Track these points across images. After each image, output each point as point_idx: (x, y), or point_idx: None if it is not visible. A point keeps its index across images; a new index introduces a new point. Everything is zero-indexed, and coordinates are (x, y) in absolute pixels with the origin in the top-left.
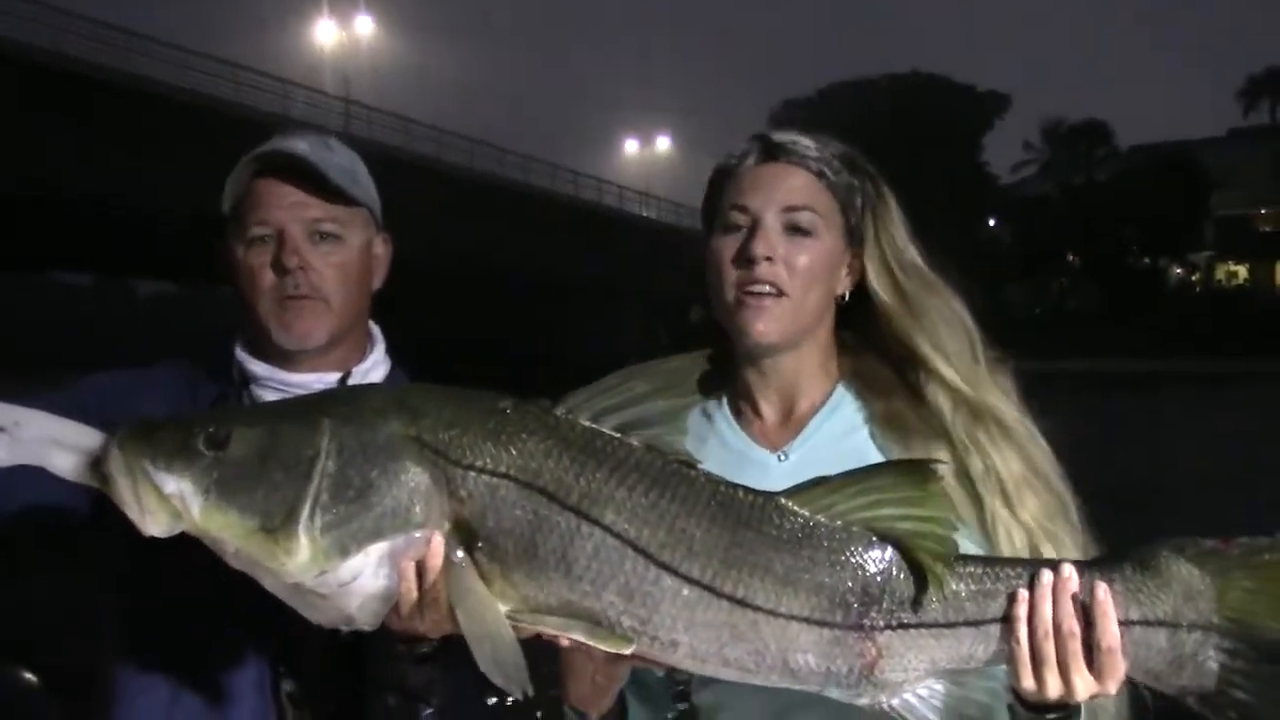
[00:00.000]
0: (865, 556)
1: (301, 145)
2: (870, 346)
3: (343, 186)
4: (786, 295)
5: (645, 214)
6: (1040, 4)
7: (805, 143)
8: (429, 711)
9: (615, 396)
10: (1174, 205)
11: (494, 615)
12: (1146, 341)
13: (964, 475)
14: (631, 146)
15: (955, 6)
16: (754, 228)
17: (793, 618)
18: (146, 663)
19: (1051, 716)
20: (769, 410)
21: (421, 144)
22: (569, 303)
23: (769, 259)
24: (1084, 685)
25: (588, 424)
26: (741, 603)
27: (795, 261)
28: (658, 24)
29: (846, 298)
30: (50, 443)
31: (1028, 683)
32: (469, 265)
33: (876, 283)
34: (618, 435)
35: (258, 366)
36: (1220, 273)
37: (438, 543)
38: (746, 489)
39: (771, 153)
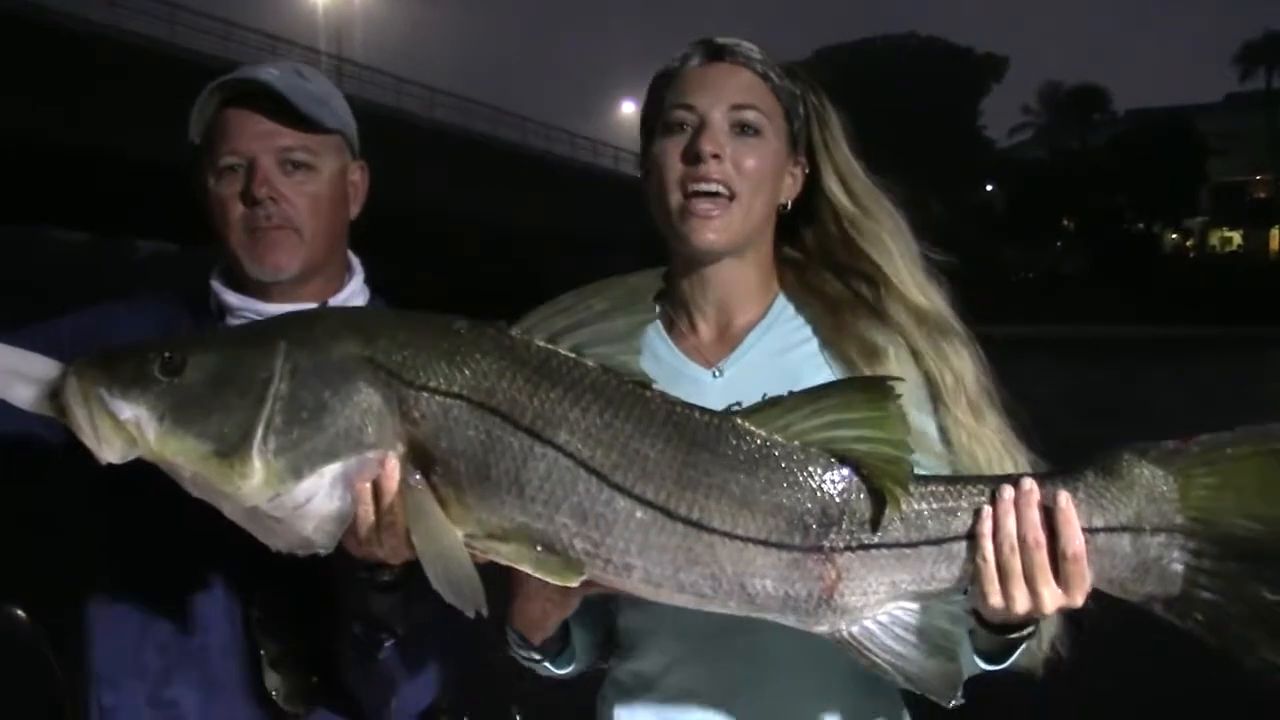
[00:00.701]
0: (823, 477)
1: (271, 72)
2: (815, 261)
3: (314, 113)
4: (735, 197)
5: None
6: None
7: (749, 45)
8: (390, 642)
9: (572, 315)
10: (1170, 171)
11: (449, 538)
12: (1139, 306)
13: (926, 386)
14: (629, 108)
15: None
16: (700, 126)
17: (750, 540)
18: (115, 596)
19: (1013, 636)
20: (704, 326)
21: (412, 102)
22: (567, 255)
23: (717, 156)
24: (1051, 598)
25: (543, 344)
26: (697, 525)
27: (743, 162)
28: None
29: (789, 206)
30: (10, 374)
31: (995, 600)
32: (470, 221)
33: (832, 190)
34: (572, 356)
35: (233, 298)
36: (1214, 239)
37: (392, 465)
38: (702, 409)
39: (717, 53)
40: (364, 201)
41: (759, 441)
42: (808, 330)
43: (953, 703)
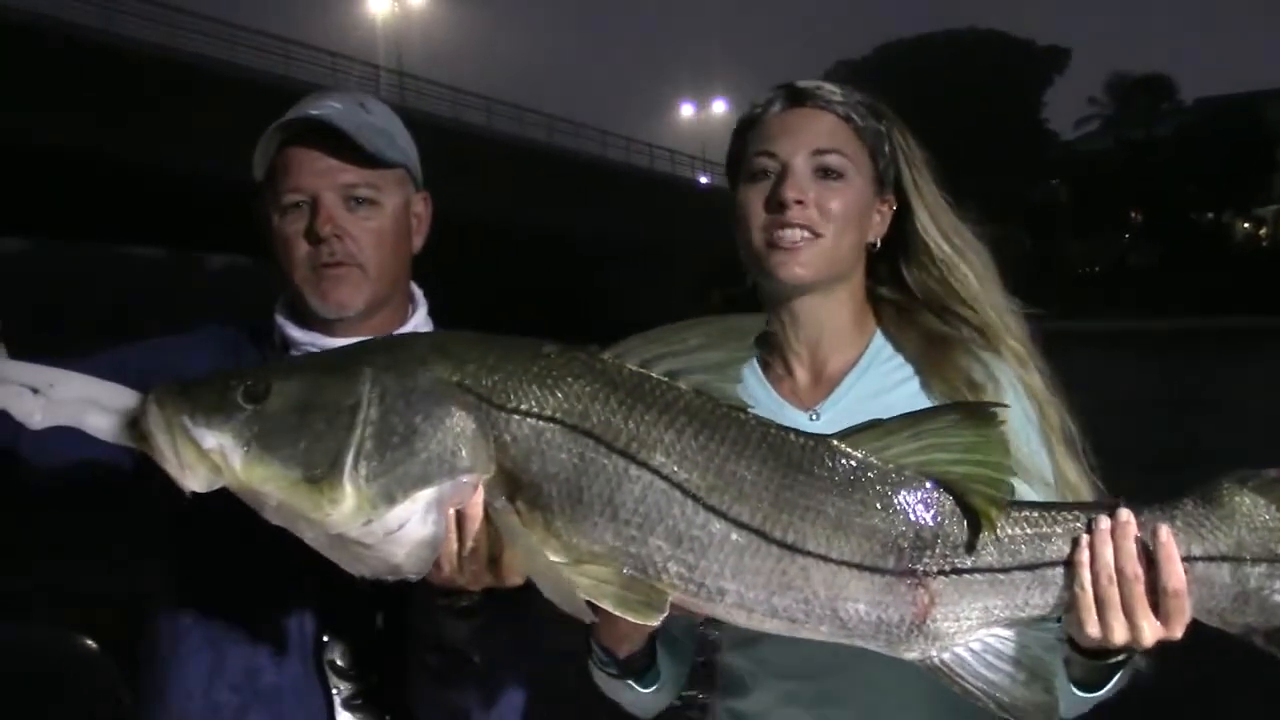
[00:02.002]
0: (919, 500)
1: (333, 107)
2: (913, 297)
3: (377, 148)
4: (821, 236)
5: (700, 178)
6: None
7: (830, 88)
8: (466, 671)
9: (666, 345)
10: (1239, 158)
11: (543, 557)
12: (1209, 298)
13: (1039, 420)
14: (687, 111)
15: None
16: (783, 173)
17: (844, 563)
18: (188, 631)
19: (1109, 663)
20: (800, 368)
21: (472, 114)
22: (623, 266)
23: (800, 202)
24: (1150, 630)
25: (635, 368)
26: (792, 548)
27: (827, 204)
28: None
29: (878, 245)
30: (86, 403)
31: (1092, 630)
32: (525, 230)
33: (923, 228)
34: (665, 380)
35: (298, 332)
36: None
37: (477, 493)
38: (798, 432)
39: (798, 99)
40: (427, 232)
41: (855, 464)
42: (908, 370)
43: None
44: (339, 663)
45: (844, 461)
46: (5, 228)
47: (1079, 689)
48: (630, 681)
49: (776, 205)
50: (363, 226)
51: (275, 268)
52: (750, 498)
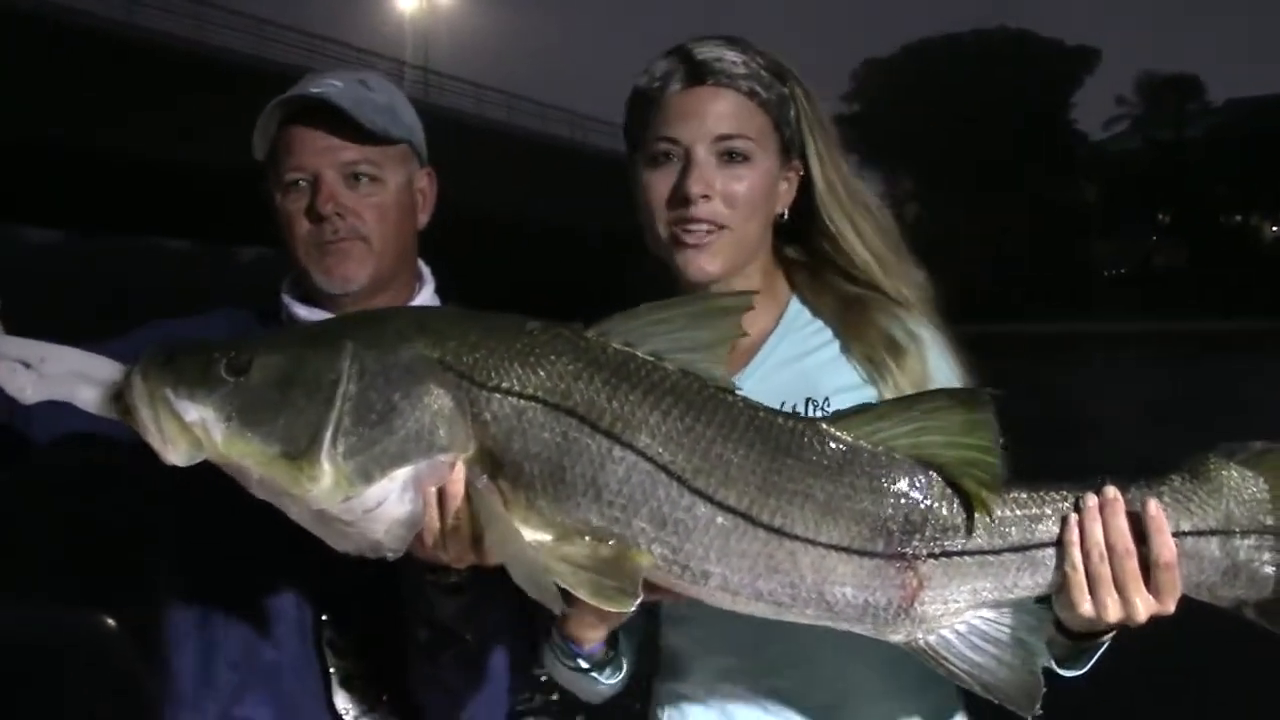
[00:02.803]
0: (908, 483)
1: (333, 84)
2: (823, 260)
3: (377, 125)
4: (727, 228)
5: None
6: None
7: (731, 57)
8: (456, 649)
9: (651, 324)
10: (1269, 160)
11: (518, 541)
12: (1237, 300)
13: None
14: None
15: None
16: (687, 163)
17: (832, 547)
18: (187, 609)
19: (1091, 644)
20: None
21: (494, 109)
22: (642, 262)
23: (706, 196)
24: (1144, 605)
25: (620, 347)
26: (779, 532)
27: (733, 191)
28: None
29: (785, 215)
30: (76, 377)
31: (1085, 608)
32: (539, 224)
33: (819, 192)
34: (651, 359)
35: (302, 309)
36: None
37: (458, 471)
38: (786, 415)
39: (697, 75)
40: (433, 208)
41: (844, 447)
42: (827, 333)
43: (1031, 715)
44: (338, 642)
45: (832, 445)
46: (37, 220)
47: (1060, 667)
48: (594, 674)
49: (681, 200)
50: (365, 203)
51: (285, 245)
52: (737, 481)
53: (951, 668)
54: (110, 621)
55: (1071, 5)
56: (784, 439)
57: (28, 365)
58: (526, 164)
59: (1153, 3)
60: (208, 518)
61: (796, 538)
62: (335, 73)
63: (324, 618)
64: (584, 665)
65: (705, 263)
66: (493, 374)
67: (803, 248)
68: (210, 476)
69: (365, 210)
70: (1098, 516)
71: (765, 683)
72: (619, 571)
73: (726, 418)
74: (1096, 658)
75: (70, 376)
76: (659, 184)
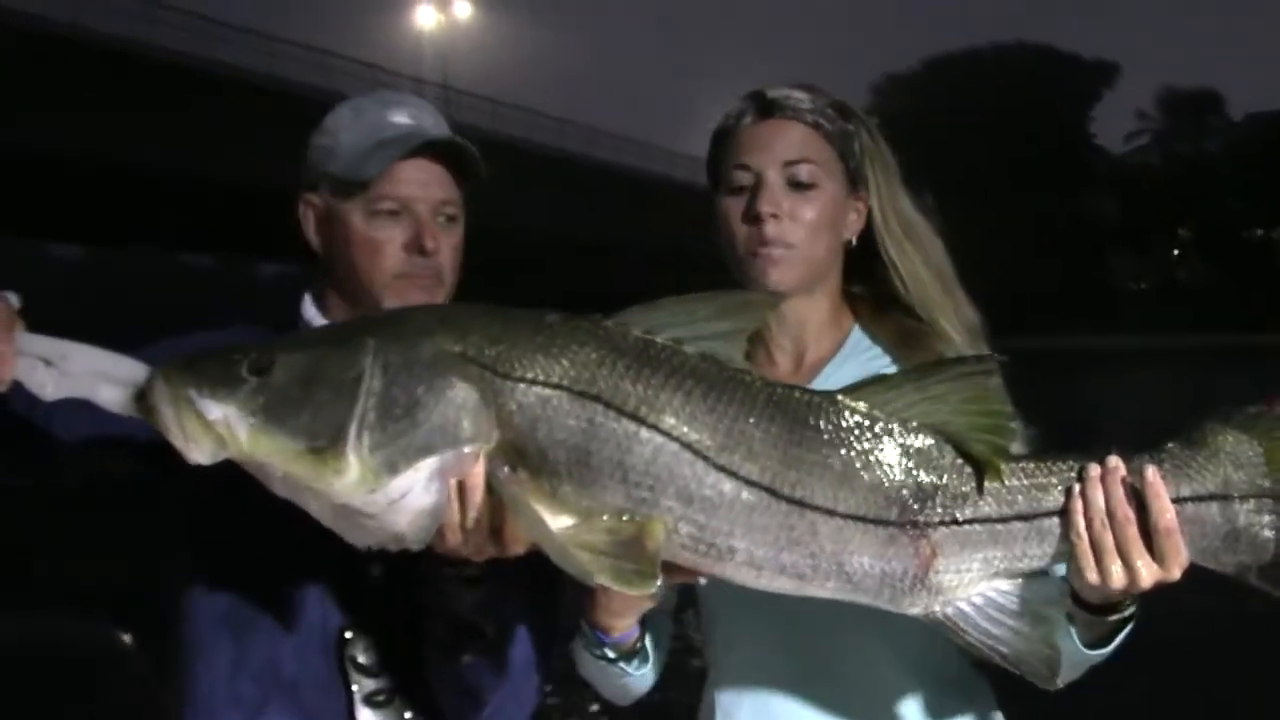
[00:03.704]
0: (921, 453)
1: (428, 120)
2: (884, 295)
3: (469, 167)
4: (795, 246)
5: None
6: None
7: (798, 95)
8: (478, 645)
9: (671, 315)
10: None
11: (544, 527)
12: (1259, 314)
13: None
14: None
15: None
16: (757, 186)
17: (849, 516)
18: (212, 619)
19: (1113, 619)
20: (781, 358)
21: (513, 126)
22: (662, 276)
23: (775, 215)
24: (1147, 571)
25: (640, 334)
26: (800, 503)
27: (801, 214)
28: (760, 2)
29: (854, 243)
30: (97, 375)
31: (1091, 575)
32: (567, 240)
33: (879, 228)
34: (670, 345)
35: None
36: None
37: (479, 463)
38: (803, 389)
39: (767, 110)
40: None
41: (859, 418)
42: (885, 360)
43: (1052, 687)
44: (360, 659)
45: (848, 416)
46: (60, 236)
47: (1085, 647)
48: (622, 664)
49: (753, 218)
50: (447, 242)
51: (341, 265)
52: (759, 455)
53: (970, 639)
54: (125, 637)
55: (1090, 20)
56: (801, 412)
57: (49, 363)
58: (546, 180)
59: (1171, 18)
60: (226, 530)
61: (816, 508)
62: (410, 99)
63: (347, 634)
64: (611, 655)
65: (779, 274)
66: (516, 365)
67: (865, 282)
68: (230, 487)
69: (446, 249)
70: (1099, 485)
71: (801, 691)
72: (638, 553)
73: (746, 395)
74: (1121, 638)
75: (91, 375)
76: (735, 208)
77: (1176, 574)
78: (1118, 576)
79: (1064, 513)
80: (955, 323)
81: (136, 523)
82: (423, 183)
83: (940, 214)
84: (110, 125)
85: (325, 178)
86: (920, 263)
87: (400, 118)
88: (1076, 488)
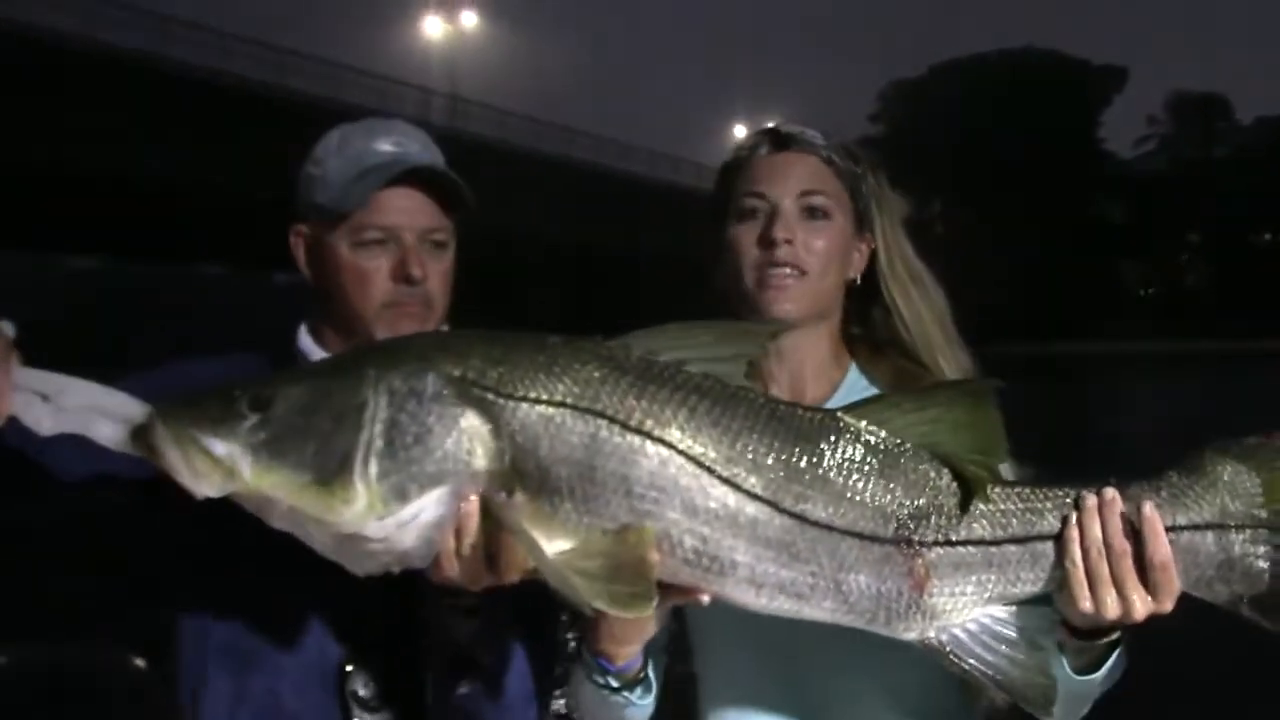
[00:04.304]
0: (917, 473)
1: (414, 147)
2: (882, 336)
3: (456, 194)
4: (806, 274)
5: None
6: None
7: (811, 133)
8: (474, 679)
9: (672, 339)
10: None
11: (542, 552)
12: (1267, 319)
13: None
14: (740, 131)
15: None
16: (773, 213)
17: (846, 533)
18: (214, 652)
19: (1102, 643)
20: (778, 393)
21: (520, 136)
22: (679, 280)
23: (789, 241)
24: (1141, 603)
25: (641, 354)
26: (801, 518)
27: (813, 243)
28: (764, 10)
29: (858, 281)
30: (94, 412)
31: (1085, 604)
32: (578, 248)
33: (883, 270)
34: (672, 364)
35: (324, 356)
36: None
37: (476, 491)
38: (805, 406)
39: (783, 142)
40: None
41: (858, 434)
42: None
43: (1048, 716)
44: (360, 692)
45: (849, 433)
46: (80, 248)
47: (1075, 673)
48: (626, 694)
49: (767, 243)
50: (435, 269)
51: (331, 295)
52: (763, 469)
53: (966, 666)
54: (140, 662)
55: (1098, 26)
56: (804, 428)
57: (45, 398)
58: (557, 189)
59: (1179, 22)
60: (225, 563)
61: (816, 524)
62: (399, 126)
63: (348, 669)
64: (615, 684)
65: (787, 303)
66: (518, 386)
67: (865, 325)
68: (226, 521)
69: (434, 276)
70: (1096, 515)
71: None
72: (633, 576)
73: (750, 410)
74: (1110, 666)
75: (88, 411)
76: (746, 235)
77: (1169, 606)
78: (1111, 607)
79: (1059, 539)
80: (954, 368)
81: (136, 556)
82: (407, 210)
83: (947, 220)
84: (120, 137)
85: (313, 208)
86: (924, 307)
87: (385, 145)
88: (1073, 516)
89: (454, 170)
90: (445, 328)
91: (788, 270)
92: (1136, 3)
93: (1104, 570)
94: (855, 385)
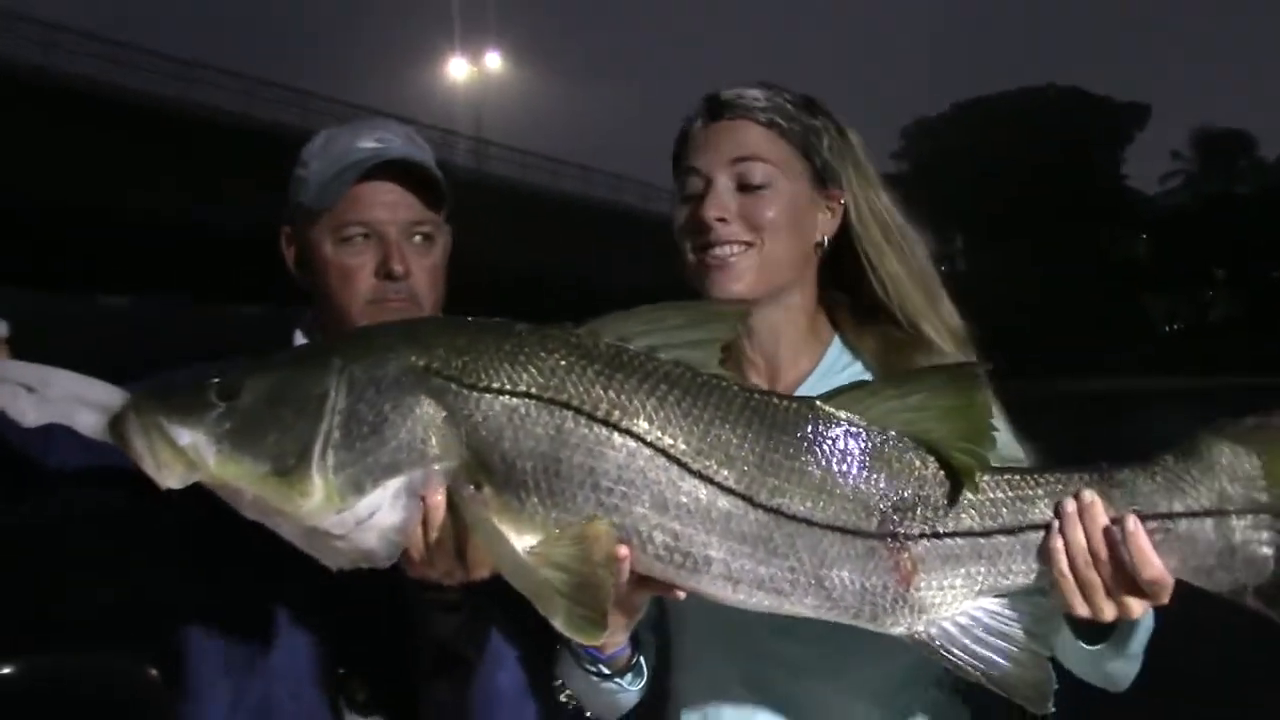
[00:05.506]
0: (901, 462)
1: (395, 141)
2: (865, 301)
3: (438, 187)
4: (753, 246)
5: None
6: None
7: (752, 94)
8: (466, 673)
9: (644, 323)
10: None
11: (507, 547)
12: None
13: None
14: None
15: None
16: (705, 190)
17: (828, 527)
18: (210, 657)
19: (1113, 634)
20: (756, 377)
21: (539, 175)
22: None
23: (722, 219)
24: (1137, 604)
25: (611, 341)
26: (777, 512)
27: (757, 215)
28: (786, 48)
29: (826, 244)
30: (75, 401)
31: (1081, 610)
32: (603, 286)
33: (855, 226)
34: (643, 352)
35: None
36: None
37: (442, 483)
38: (781, 395)
39: (717, 111)
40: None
41: (838, 425)
42: (867, 376)
43: (1044, 711)
44: (357, 697)
45: (827, 423)
46: (111, 288)
47: (1088, 643)
48: (617, 680)
49: (700, 225)
50: (421, 263)
51: (319, 295)
52: (736, 461)
53: (956, 661)
54: (153, 671)
55: (1120, 63)
56: (779, 418)
57: (30, 389)
58: (576, 227)
59: (1201, 59)
60: (219, 567)
61: (794, 518)
62: (384, 123)
63: (341, 671)
64: (606, 671)
65: (730, 281)
66: (482, 375)
67: (847, 289)
68: (218, 523)
69: (420, 271)
70: (1078, 523)
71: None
72: (592, 600)
73: (722, 400)
74: (1132, 633)
75: (70, 400)
76: (683, 214)
77: (1165, 599)
78: (1108, 610)
79: (1046, 548)
80: (941, 329)
81: (135, 555)
82: (388, 205)
83: (971, 256)
84: (150, 178)
85: (298, 209)
86: (899, 263)
87: (367, 142)
88: (1055, 525)
89: (478, 209)
90: None
91: (728, 248)
92: (1159, 40)
93: (1094, 578)
94: (837, 361)
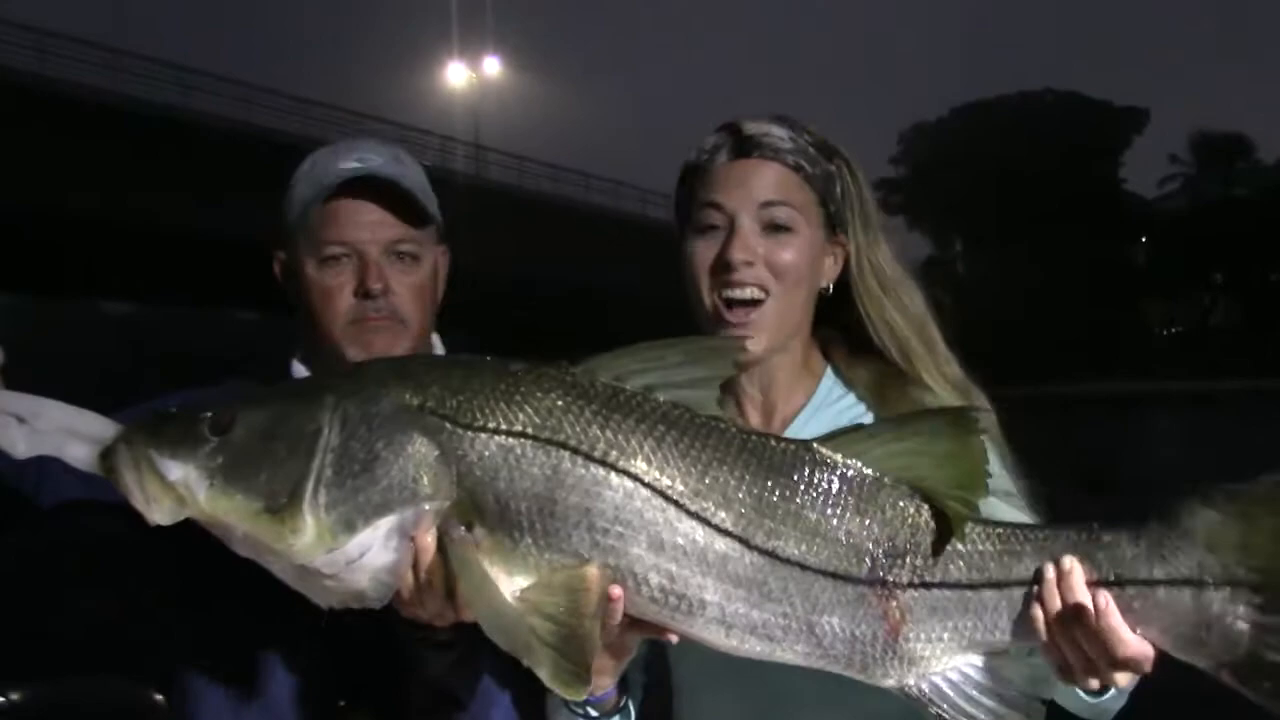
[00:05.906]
0: (895, 509)
1: (375, 160)
2: (862, 343)
3: (421, 205)
4: (770, 296)
5: None
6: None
7: (778, 133)
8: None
9: (641, 361)
10: None
11: (493, 592)
12: None
13: (1004, 464)
14: None
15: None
16: (731, 230)
17: (819, 572)
18: (211, 690)
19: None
20: (752, 410)
21: (540, 181)
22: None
23: (749, 263)
24: (1120, 677)
25: (608, 381)
26: (772, 555)
27: (777, 259)
28: (785, 51)
29: (830, 289)
30: (66, 433)
31: (1065, 679)
32: (603, 292)
33: (862, 273)
34: (639, 392)
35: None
36: None
37: (432, 524)
38: (778, 437)
39: (744, 148)
40: (444, 286)
41: (834, 468)
42: (860, 407)
43: None
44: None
45: (823, 466)
46: (116, 294)
47: (1092, 698)
48: None
49: (725, 266)
50: (403, 282)
51: (305, 316)
52: (733, 503)
53: (947, 717)
54: (159, 697)
55: (1118, 68)
56: (776, 460)
57: (21, 420)
58: (576, 233)
59: (1199, 63)
60: (228, 600)
61: (789, 561)
62: (368, 144)
63: (342, 703)
64: (593, 714)
65: (751, 341)
66: (477, 415)
67: (841, 322)
68: (228, 560)
69: (403, 289)
70: (1055, 590)
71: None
72: (578, 653)
73: (720, 441)
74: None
75: (61, 433)
76: (704, 251)
77: (1148, 668)
78: (1090, 682)
79: (1027, 611)
80: (937, 376)
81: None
82: (368, 224)
83: (969, 260)
84: (151, 186)
85: (285, 231)
86: (899, 315)
87: (347, 163)
88: (1033, 591)
89: (477, 216)
90: (437, 341)
91: (750, 293)
92: (1157, 44)
93: (1073, 645)
94: (830, 394)
